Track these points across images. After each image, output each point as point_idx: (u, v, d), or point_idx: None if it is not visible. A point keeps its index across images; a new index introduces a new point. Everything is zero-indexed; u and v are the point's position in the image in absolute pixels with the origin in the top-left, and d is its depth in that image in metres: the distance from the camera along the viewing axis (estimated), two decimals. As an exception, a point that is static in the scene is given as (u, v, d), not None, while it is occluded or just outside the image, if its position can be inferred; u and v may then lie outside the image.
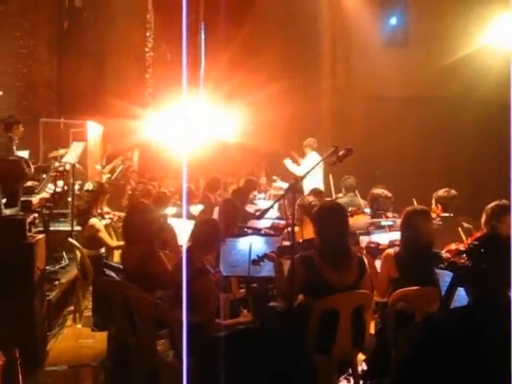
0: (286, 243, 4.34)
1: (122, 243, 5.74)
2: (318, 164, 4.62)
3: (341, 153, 3.92)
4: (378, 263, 4.42)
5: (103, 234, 6.13)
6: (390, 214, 5.57)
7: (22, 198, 5.44)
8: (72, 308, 6.33)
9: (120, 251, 5.44)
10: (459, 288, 2.69)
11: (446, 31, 12.52)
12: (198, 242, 4.13)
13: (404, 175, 12.63)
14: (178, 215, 6.54)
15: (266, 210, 4.19)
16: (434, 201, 5.34)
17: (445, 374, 2.31)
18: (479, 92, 12.08)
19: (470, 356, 2.30)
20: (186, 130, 11.53)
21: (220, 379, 3.45)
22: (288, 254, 3.91)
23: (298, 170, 9.49)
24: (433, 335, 2.40)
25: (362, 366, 4.37)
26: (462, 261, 2.47)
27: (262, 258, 4.18)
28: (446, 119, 13.17)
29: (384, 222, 5.14)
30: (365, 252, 4.41)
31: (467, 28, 11.99)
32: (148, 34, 14.33)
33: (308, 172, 4.39)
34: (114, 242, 6.31)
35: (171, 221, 6.11)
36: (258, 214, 5.59)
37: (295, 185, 3.92)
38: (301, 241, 4.58)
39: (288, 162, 9.75)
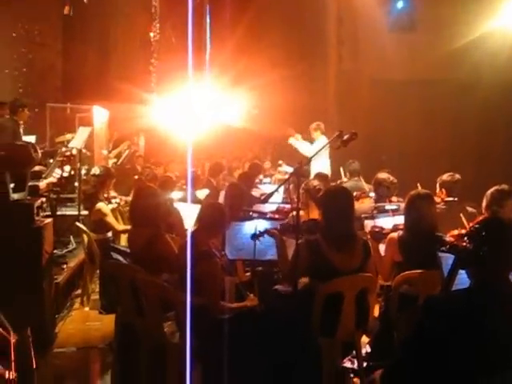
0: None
1: (128, 227, 5.80)
2: (323, 148, 4.63)
3: (345, 137, 3.93)
4: (382, 247, 4.45)
5: (110, 219, 6.19)
6: (394, 199, 5.58)
7: (30, 183, 5.49)
8: (80, 291, 6.40)
9: (127, 235, 5.50)
10: (461, 271, 2.71)
11: (452, 15, 12.41)
12: (204, 225, 4.17)
13: (411, 159, 12.63)
14: (184, 199, 6.58)
15: (271, 194, 4.22)
16: (438, 185, 5.34)
17: (445, 354, 2.34)
18: (488, 75, 11.98)
19: (470, 337, 2.34)
20: (192, 115, 11.54)
21: (225, 361, 3.52)
22: (292, 233, 3.94)
23: (306, 149, 9.24)
24: (433, 316, 2.43)
25: (366, 349, 4.42)
26: (464, 244, 2.50)
27: (262, 233, 4.18)
28: (454, 103, 13.09)
29: (388, 207, 5.16)
30: (369, 236, 4.44)
31: (475, 11, 11.89)
32: (153, 18, 14.28)
33: (313, 156, 4.41)
34: (120, 226, 6.38)
35: (177, 205, 6.15)
36: (263, 198, 5.63)
37: (300, 169, 3.94)
38: (306, 220, 4.60)
39: (293, 141, 9.51)
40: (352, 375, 4.31)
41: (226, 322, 3.77)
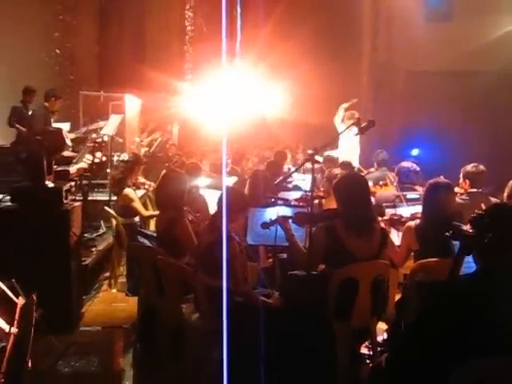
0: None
1: (155, 213, 5.94)
2: (340, 134, 4.64)
3: (363, 125, 3.96)
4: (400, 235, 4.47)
5: (136, 204, 6.29)
6: (418, 188, 5.57)
7: (60, 168, 5.66)
8: (108, 274, 6.57)
9: (155, 220, 5.64)
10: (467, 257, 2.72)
11: (490, 5, 12.19)
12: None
13: (444, 150, 12.47)
14: (213, 186, 6.65)
15: (285, 178, 4.26)
16: (461, 176, 5.27)
17: (448, 338, 2.37)
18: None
19: (474, 322, 2.36)
20: (226, 105, 11.61)
21: (243, 342, 3.59)
22: (307, 222, 3.97)
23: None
24: (438, 301, 2.46)
25: (384, 336, 4.46)
26: (470, 230, 2.52)
27: (273, 222, 4.20)
28: (490, 94, 12.88)
29: (410, 195, 5.15)
30: (384, 224, 4.44)
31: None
32: (187, 7, 14.38)
33: (332, 143, 4.42)
34: (146, 212, 6.47)
35: (205, 192, 6.24)
36: (288, 185, 5.68)
37: (313, 156, 3.98)
38: (326, 209, 4.63)
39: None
40: (368, 361, 4.36)
41: (244, 305, 3.85)
